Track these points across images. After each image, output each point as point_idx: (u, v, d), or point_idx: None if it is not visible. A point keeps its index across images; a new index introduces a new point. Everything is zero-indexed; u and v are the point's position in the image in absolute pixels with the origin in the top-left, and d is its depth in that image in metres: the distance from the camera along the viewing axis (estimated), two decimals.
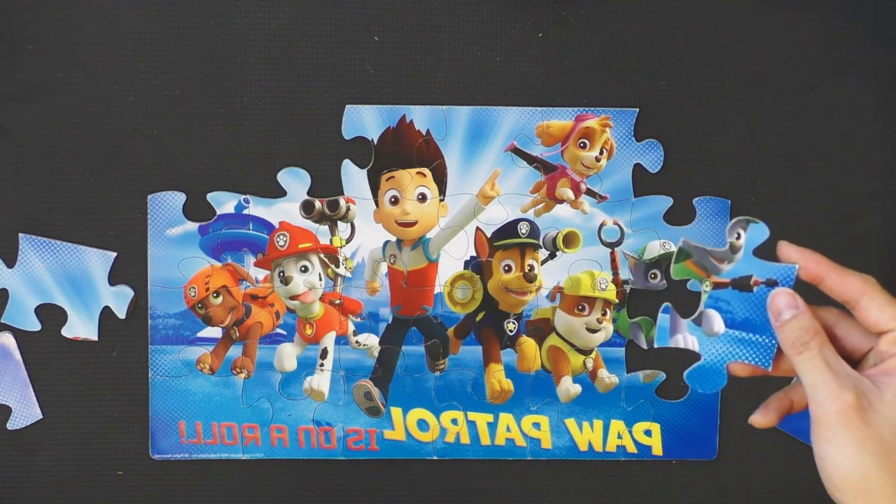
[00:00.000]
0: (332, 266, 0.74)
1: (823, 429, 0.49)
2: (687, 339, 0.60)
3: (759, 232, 0.54)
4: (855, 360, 0.53)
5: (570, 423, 0.76)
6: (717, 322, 0.55)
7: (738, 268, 0.54)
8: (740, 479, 0.77)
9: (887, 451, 0.48)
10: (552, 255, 0.75)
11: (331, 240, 0.74)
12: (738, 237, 0.55)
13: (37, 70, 0.72)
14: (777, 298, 0.52)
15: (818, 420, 0.49)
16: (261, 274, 0.74)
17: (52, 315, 0.74)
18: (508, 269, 0.75)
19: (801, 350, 0.50)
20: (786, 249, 0.53)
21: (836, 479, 0.49)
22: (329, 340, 0.75)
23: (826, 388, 0.49)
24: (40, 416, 0.75)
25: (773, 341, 0.53)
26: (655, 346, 0.61)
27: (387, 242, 0.74)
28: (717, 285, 0.55)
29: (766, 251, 0.54)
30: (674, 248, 0.73)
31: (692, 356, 0.57)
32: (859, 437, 0.48)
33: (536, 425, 0.76)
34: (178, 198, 0.73)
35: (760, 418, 0.56)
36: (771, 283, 0.53)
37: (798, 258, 0.52)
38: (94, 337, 0.74)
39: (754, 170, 0.75)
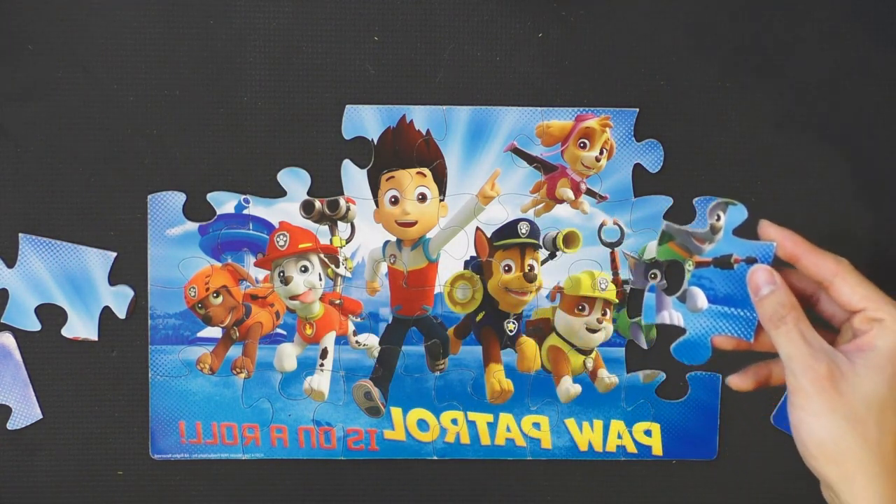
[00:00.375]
0: (332, 266, 0.74)
1: (799, 398, 0.51)
2: (672, 315, 0.63)
3: (738, 213, 0.58)
4: (835, 326, 0.56)
5: (570, 423, 0.76)
6: (700, 298, 0.59)
7: (718, 247, 0.58)
8: (740, 479, 0.77)
9: (859, 419, 0.50)
10: (552, 255, 0.75)
11: (331, 240, 0.74)
12: (718, 219, 0.58)
13: (37, 70, 0.72)
14: (755, 274, 0.55)
15: (794, 389, 0.52)
16: (261, 274, 0.74)
17: (52, 315, 0.74)
18: (508, 269, 0.75)
19: (778, 324, 0.53)
20: (766, 228, 0.56)
21: (811, 447, 0.51)
22: (329, 340, 0.75)
23: (801, 360, 0.51)
24: (40, 416, 0.75)
25: (755, 315, 0.56)
26: (643, 323, 0.64)
27: (387, 242, 0.74)
28: (699, 264, 0.58)
29: (745, 231, 0.57)
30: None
31: (678, 332, 0.60)
32: (832, 406, 0.50)
33: (536, 425, 0.76)
34: (178, 198, 0.73)
35: (738, 380, 0.59)
36: (750, 261, 0.56)
37: (776, 236, 0.55)
38: (94, 337, 0.74)
39: (754, 170, 0.75)
